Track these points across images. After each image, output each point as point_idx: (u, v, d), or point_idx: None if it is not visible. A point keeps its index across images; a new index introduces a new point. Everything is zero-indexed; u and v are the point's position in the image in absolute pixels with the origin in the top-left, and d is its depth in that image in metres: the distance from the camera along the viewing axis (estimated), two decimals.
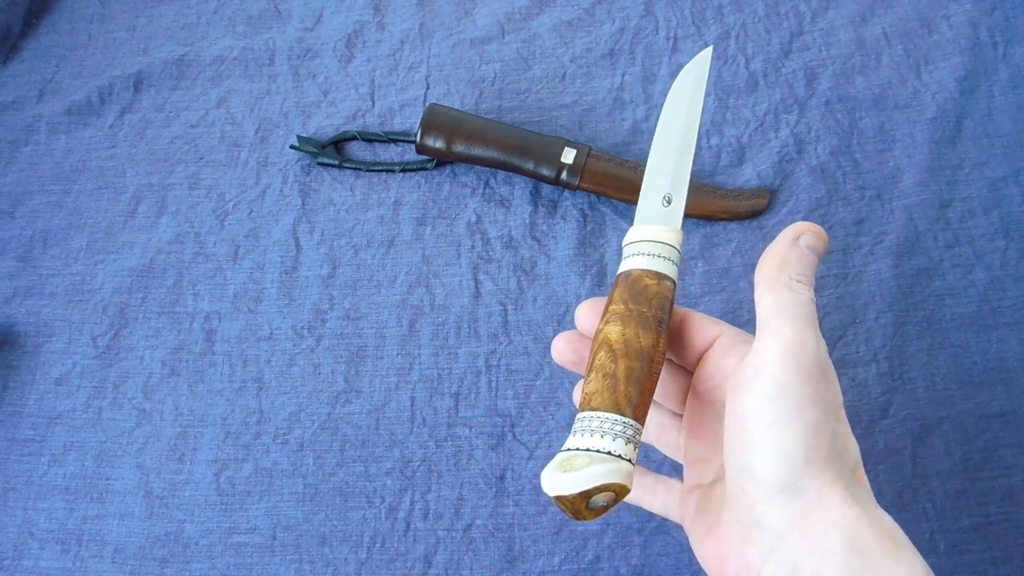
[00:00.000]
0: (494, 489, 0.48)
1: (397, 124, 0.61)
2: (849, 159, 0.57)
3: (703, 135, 0.59)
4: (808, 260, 0.30)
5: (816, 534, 0.26)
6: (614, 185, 0.55)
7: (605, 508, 0.29)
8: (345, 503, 0.48)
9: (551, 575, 0.46)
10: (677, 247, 0.34)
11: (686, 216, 0.53)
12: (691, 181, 0.36)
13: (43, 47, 0.68)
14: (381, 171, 0.59)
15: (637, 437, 0.30)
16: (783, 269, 0.30)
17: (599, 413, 0.30)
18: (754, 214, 0.55)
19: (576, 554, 0.46)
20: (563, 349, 0.36)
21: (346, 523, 0.48)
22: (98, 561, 0.47)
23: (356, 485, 0.49)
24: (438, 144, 0.56)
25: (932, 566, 0.26)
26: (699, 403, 0.34)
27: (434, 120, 0.57)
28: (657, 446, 0.38)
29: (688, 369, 0.35)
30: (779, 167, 0.57)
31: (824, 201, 0.55)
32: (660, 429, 0.37)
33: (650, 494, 0.37)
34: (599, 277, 0.54)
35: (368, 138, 0.60)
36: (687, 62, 0.38)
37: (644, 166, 0.37)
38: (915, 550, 0.26)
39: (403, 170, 0.59)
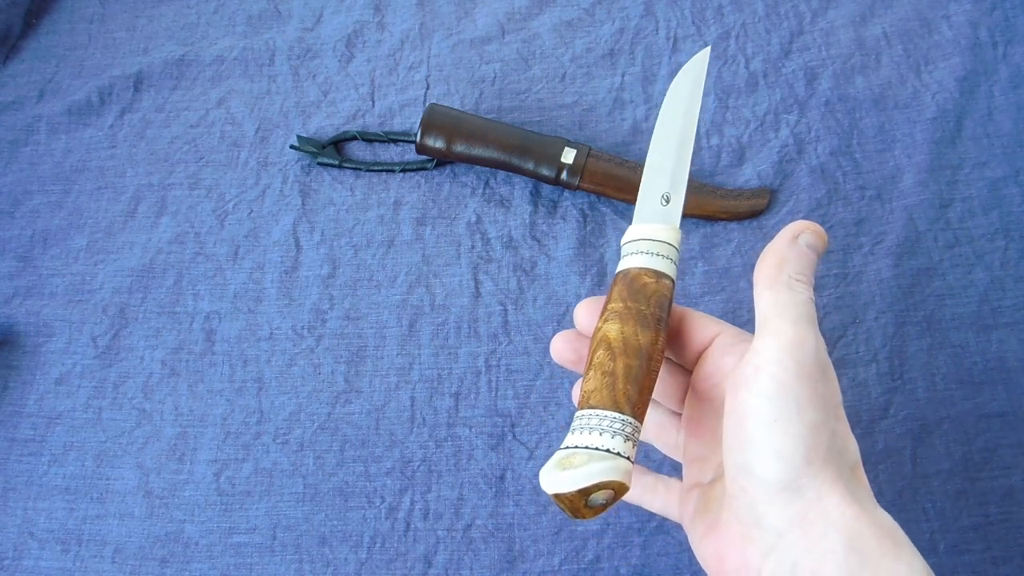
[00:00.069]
0: (494, 489, 0.48)
1: (397, 124, 0.61)
2: (849, 159, 0.57)
3: (703, 135, 0.59)
4: (807, 259, 0.30)
5: (815, 533, 0.26)
6: (614, 185, 0.55)
7: (604, 506, 0.29)
8: (345, 503, 0.48)
9: (551, 575, 0.46)
10: (676, 246, 0.34)
11: (686, 216, 0.53)
12: (691, 181, 0.36)
13: (43, 47, 0.68)
14: (381, 171, 0.59)
15: (636, 435, 0.30)
16: (782, 268, 0.30)
17: (598, 411, 0.30)
18: (754, 214, 0.55)
19: (576, 554, 0.46)
20: (562, 348, 0.36)
21: (346, 523, 0.48)
22: (98, 561, 0.47)
23: (356, 485, 0.49)
24: (438, 144, 0.56)
25: (932, 566, 0.26)
26: (698, 402, 0.34)
27: (434, 120, 0.57)
28: (656, 445, 0.38)
29: (687, 368, 0.35)
30: (779, 167, 0.57)
31: (824, 201, 0.55)
32: (659, 428, 0.37)
33: (650, 493, 0.37)
34: (599, 277, 0.54)
35: (368, 138, 0.60)
36: (687, 62, 0.38)
37: (644, 166, 0.37)
38: (915, 549, 0.26)
39: (403, 170, 0.59)
